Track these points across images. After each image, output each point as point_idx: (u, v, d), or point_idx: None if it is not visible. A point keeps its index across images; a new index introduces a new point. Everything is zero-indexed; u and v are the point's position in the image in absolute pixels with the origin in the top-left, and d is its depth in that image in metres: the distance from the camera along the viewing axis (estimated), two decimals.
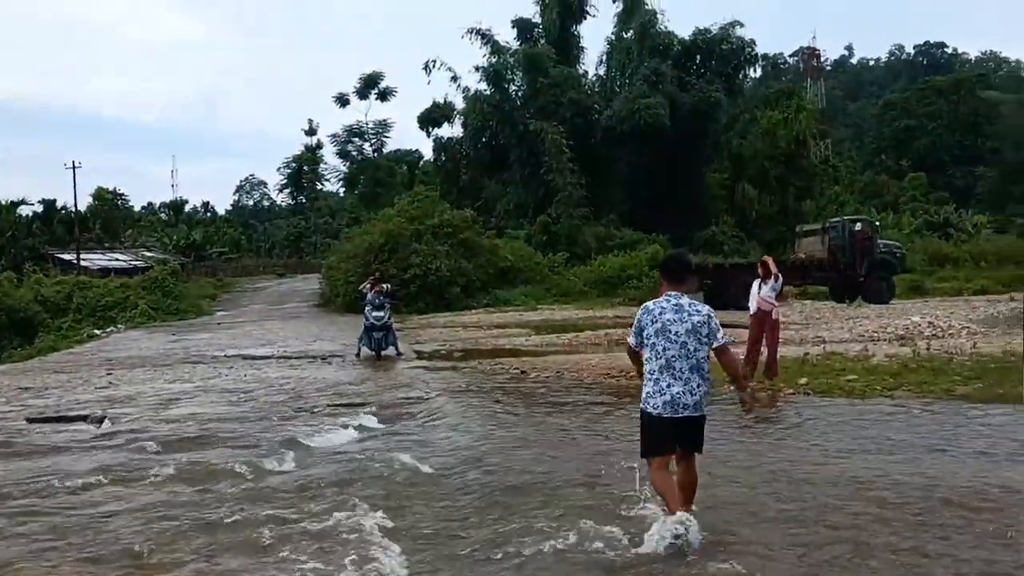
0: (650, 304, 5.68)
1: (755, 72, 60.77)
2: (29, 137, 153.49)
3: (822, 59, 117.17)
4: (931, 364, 12.23)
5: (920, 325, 18.71)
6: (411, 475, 7.75)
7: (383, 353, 18.16)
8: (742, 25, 54.21)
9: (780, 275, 12.39)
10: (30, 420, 11.70)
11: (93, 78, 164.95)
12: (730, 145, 55.47)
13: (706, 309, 5.61)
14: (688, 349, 5.45)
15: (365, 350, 18.29)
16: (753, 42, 55.03)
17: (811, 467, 7.48)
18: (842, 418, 9.53)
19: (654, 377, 5.51)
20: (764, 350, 12.20)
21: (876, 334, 18.17)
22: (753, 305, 12.16)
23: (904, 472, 7.10)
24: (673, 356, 5.45)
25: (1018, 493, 6.31)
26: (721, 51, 54.46)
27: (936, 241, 45.35)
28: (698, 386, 5.47)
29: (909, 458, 7.64)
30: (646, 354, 5.61)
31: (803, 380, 11.68)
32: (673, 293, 5.63)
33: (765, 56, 60.14)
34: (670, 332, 5.47)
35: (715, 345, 5.53)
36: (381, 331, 18.13)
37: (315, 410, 11.79)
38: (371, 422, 10.80)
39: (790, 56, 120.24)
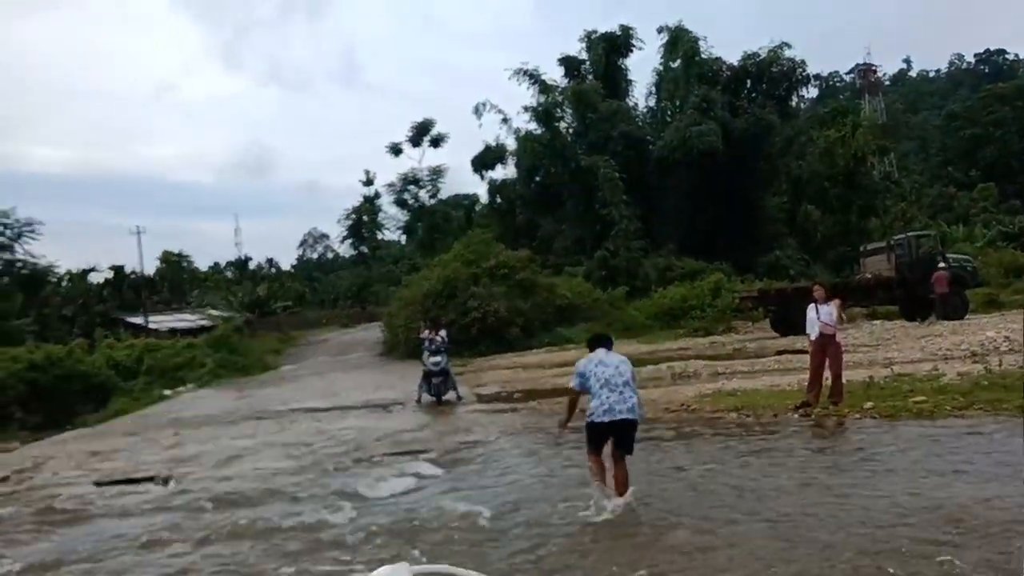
0: (584, 359, 7.78)
1: (809, 92, 60.04)
2: (92, 206, 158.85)
3: (879, 74, 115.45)
4: (1004, 381, 11.69)
5: (995, 340, 17.96)
6: (464, 521, 7.64)
7: (443, 398, 18.08)
8: (790, 46, 53.68)
9: (836, 298, 12.10)
10: (98, 484, 11.88)
11: (147, 145, 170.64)
12: (788, 168, 54.77)
13: (623, 358, 7.78)
14: (619, 371, 7.52)
15: (425, 396, 18.22)
16: (804, 62, 54.36)
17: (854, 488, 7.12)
18: (907, 441, 9.14)
19: (596, 394, 7.45)
20: (828, 375, 11.83)
21: (949, 352, 17.51)
22: (814, 331, 11.84)
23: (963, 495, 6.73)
24: (610, 375, 7.46)
25: None
26: (771, 74, 53.92)
27: (1011, 252, 43.80)
28: (630, 396, 7.43)
29: (970, 481, 7.24)
30: (591, 386, 7.51)
31: (869, 404, 11.28)
32: (601, 349, 7.80)
33: (819, 76, 59.48)
34: (606, 363, 7.61)
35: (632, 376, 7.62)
36: (440, 376, 18.05)
37: (373, 459, 11.75)
38: (428, 469, 10.71)
39: (846, 74, 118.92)
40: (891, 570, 5.27)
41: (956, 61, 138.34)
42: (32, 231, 57.31)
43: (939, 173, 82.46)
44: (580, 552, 6.49)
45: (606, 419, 7.31)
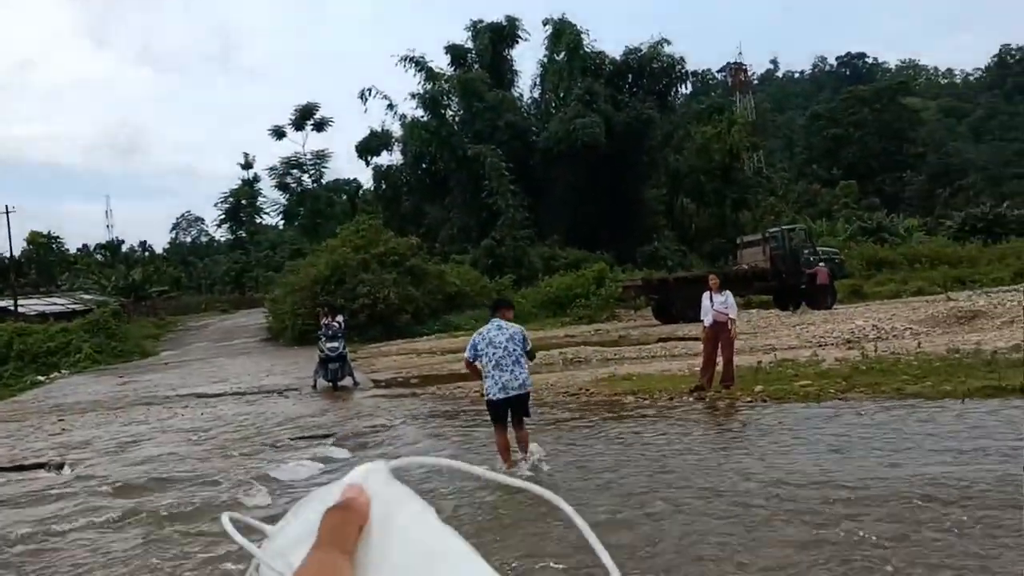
0: (481, 329, 8.63)
1: (686, 88, 62.05)
2: None
3: (749, 73, 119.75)
4: (880, 365, 12.64)
5: (864, 328, 19.22)
6: None
7: (339, 383, 18.05)
8: (669, 43, 55.37)
9: (726, 291, 12.76)
10: None
11: (9, 124, 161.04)
12: (666, 161, 56.47)
13: (518, 327, 8.65)
14: (508, 350, 8.32)
15: (321, 381, 18.15)
16: (683, 59, 56.25)
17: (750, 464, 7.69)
18: (796, 421, 9.83)
19: (490, 374, 8.35)
20: (719, 360, 12.50)
21: (824, 339, 18.64)
22: (708, 319, 12.47)
23: (842, 469, 7.37)
24: (500, 357, 8.32)
25: (974, 486, 6.57)
26: (652, 69, 55.49)
27: (871, 246, 46.52)
28: (520, 373, 8.34)
29: (852, 457, 7.90)
30: (481, 363, 8.45)
31: (758, 388, 11.98)
32: (496, 320, 8.57)
33: (695, 73, 61.34)
34: (495, 342, 8.37)
35: (527, 348, 8.49)
36: (337, 362, 18.01)
37: (278, 444, 11.70)
38: (337, 452, 10.79)
39: (718, 72, 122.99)
40: (794, 535, 5.78)
41: (819, 63, 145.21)
42: None
43: (804, 170, 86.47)
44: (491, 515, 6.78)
45: (501, 396, 8.35)
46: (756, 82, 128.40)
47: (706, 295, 12.56)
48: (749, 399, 11.49)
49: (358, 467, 0.83)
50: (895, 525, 5.75)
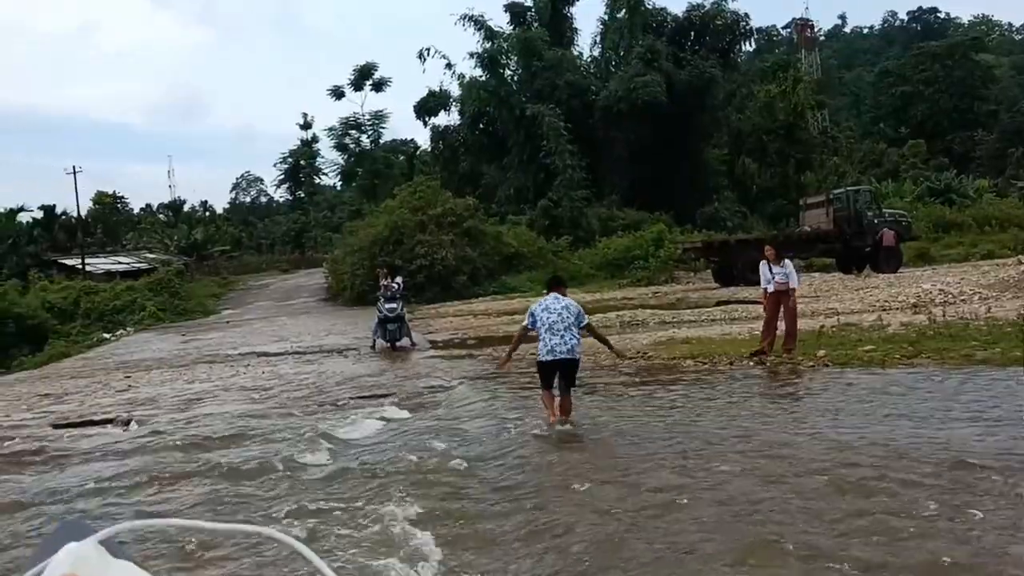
0: (539, 300, 9.28)
1: (750, 46, 60.65)
2: (17, 144, 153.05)
3: (815, 29, 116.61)
4: (948, 331, 12.28)
5: (931, 292, 18.73)
6: (443, 462, 7.82)
7: (398, 344, 18.22)
8: None
9: (787, 260, 12.46)
10: (55, 426, 11.75)
11: (74, 85, 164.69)
12: (728, 120, 55.45)
13: (573, 302, 9.05)
14: (562, 317, 8.71)
15: (380, 342, 18.34)
16: (747, 16, 54.92)
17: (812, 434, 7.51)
18: (862, 387, 9.61)
19: (542, 338, 8.77)
20: (781, 325, 12.28)
21: (888, 303, 18.21)
22: (769, 286, 12.26)
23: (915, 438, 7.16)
24: (553, 321, 8.71)
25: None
26: (715, 26, 54.32)
27: (939, 207, 45.22)
28: (571, 339, 8.67)
29: (915, 422, 7.69)
30: (539, 330, 8.81)
31: (821, 352, 11.75)
32: (552, 294, 9.04)
33: (759, 29, 59.88)
34: (551, 309, 8.79)
35: (583, 324, 8.90)
36: (395, 322, 18.17)
37: (339, 403, 11.85)
38: (395, 412, 10.86)
39: (783, 28, 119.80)
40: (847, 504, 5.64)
41: (889, 19, 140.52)
42: None
43: (871, 129, 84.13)
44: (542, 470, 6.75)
45: (548, 358, 8.73)
46: (823, 38, 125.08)
47: (764, 264, 12.32)
48: (811, 364, 11.29)
49: (63, 549, 0.72)
50: (948, 495, 5.57)
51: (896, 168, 65.78)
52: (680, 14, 54.98)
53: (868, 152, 73.38)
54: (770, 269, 12.21)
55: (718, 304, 22.76)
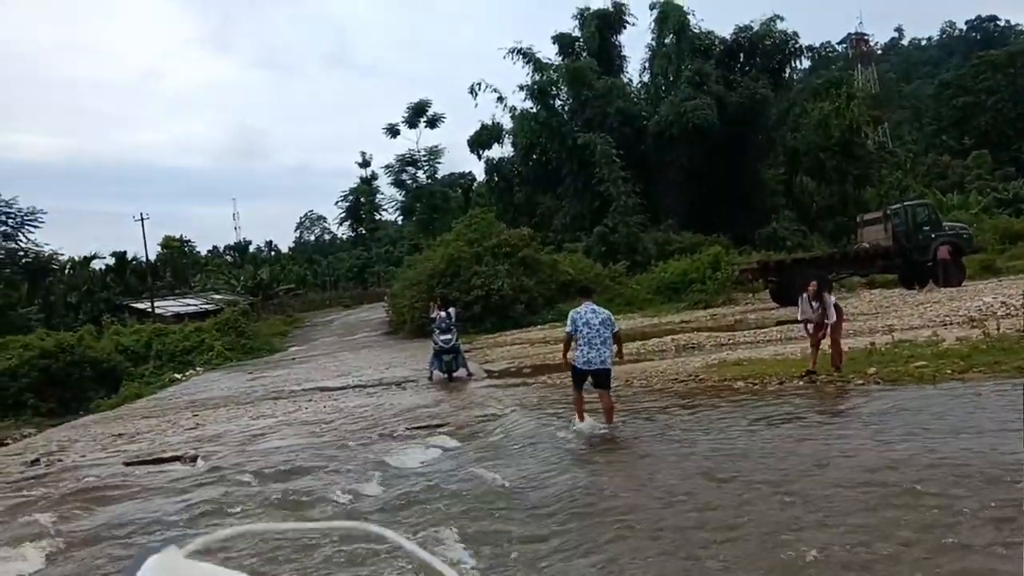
0: (578, 309, 10.35)
1: (802, 64, 60.16)
2: (89, 192, 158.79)
3: (871, 43, 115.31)
4: (1002, 344, 12.12)
5: (992, 305, 18.38)
6: (491, 490, 8.04)
7: (454, 375, 18.47)
8: (782, 19, 53.96)
9: (825, 297, 12.36)
10: (128, 464, 12.29)
11: (137, 131, 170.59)
12: (783, 139, 55.09)
13: (607, 312, 10.42)
14: (599, 332, 10.09)
15: (436, 373, 18.62)
16: (796, 34, 54.57)
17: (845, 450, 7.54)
18: (908, 403, 9.57)
19: (579, 348, 10.13)
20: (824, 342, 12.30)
21: (947, 318, 17.93)
22: (807, 317, 12.32)
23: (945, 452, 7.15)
24: (592, 336, 10.08)
25: None
26: (764, 47, 54.18)
27: (1006, 218, 44.15)
28: (605, 352, 10.10)
29: (963, 438, 7.66)
30: (578, 339, 10.14)
31: (871, 370, 11.70)
32: (587, 303, 10.39)
33: (811, 47, 59.32)
34: (590, 324, 10.11)
35: (614, 331, 10.24)
36: (450, 353, 18.43)
37: (394, 434, 12.15)
38: (450, 442, 11.11)
39: (838, 44, 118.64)
40: (905, 518, 5.71)
41: (948, 29, 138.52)
42: (34, 220, 57.70)
43: (933, 142, 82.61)
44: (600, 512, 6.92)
45: (585, 368, 10.16)
46: (879, 52, 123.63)
47: (803, 297, 12.36)
48: (861, 381, 11.25)
49: (148, 561, 0.76)
50: (1001, 510, 5.60)
51: (961, 180, 64.47)
52: (728, 36, 54.94)
53: (931, 165, 72.06)
54: (809, 303, 12.26)
55: (778, 324, 22.58)
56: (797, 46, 55.20)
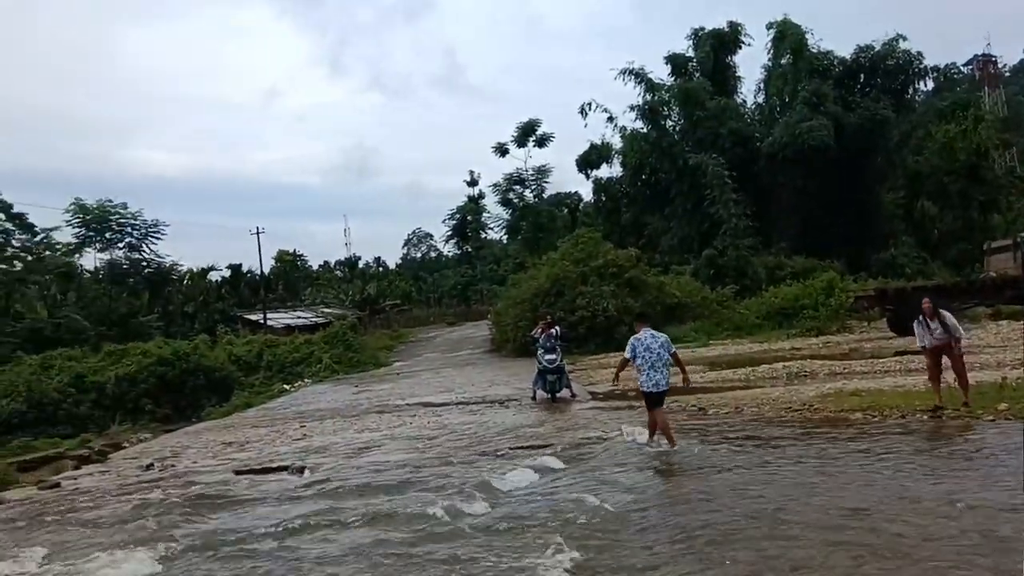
0: (638, 335, 11.10)
1: (926, 85, 57.73)
2: (210, 207, 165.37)
3: (1000, 65, 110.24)
4: None
5: None
6: (596, 514, 7.84)
7: (558, 395, 18.31)
8: (905, 39, 51.87)
9: (944, 314, 11.75)
10: (237, 472, 12.55)
11: (259, 151, 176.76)
12: (904, 162, 53.06)
13: (664, 335, 11.30)
14: (659, 355, 10.91)
15: (540, 393, 18.50)
16: (920, 55, 52.47)
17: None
18: None
19: (645, 372, 10.93)
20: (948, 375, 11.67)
21: None
22: (926, 342, 11.70)
23: None
24: (653, 360, 10.90)
25: None
26: (886, 67, 52.27)
27: None
28: (664, 374, 10.95)
29: None
30: (637, 363, 11.03)
31: (1003, 406, 11.00)
32: (645, 329, 11.22)
33: (937, 68, 56.86)
34: (651, 349, 10.94)
35: (672, 351, 11.05)
36: (555, 374, 18.30)
37: (498, 453, 12.06)
38: (553, 463, 10.93)
39: (963, 65, 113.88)
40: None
41: None
42: (157, 231, 60.42)
43: None
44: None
45: (653, 390, 10.97)
46: (1007, 74, 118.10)
47: (919, 321, 11.74)
48: (991, 418, 10.58)
49: None
50: None
51: None
52: (848, 56, 53.25)
53: None
54: (927, 326, 11.63)
55: (896, 355, 21.59)
56: (921, 67, 53.09)
